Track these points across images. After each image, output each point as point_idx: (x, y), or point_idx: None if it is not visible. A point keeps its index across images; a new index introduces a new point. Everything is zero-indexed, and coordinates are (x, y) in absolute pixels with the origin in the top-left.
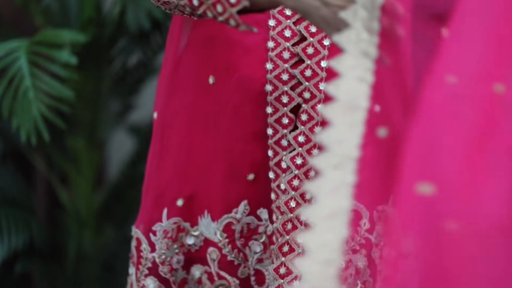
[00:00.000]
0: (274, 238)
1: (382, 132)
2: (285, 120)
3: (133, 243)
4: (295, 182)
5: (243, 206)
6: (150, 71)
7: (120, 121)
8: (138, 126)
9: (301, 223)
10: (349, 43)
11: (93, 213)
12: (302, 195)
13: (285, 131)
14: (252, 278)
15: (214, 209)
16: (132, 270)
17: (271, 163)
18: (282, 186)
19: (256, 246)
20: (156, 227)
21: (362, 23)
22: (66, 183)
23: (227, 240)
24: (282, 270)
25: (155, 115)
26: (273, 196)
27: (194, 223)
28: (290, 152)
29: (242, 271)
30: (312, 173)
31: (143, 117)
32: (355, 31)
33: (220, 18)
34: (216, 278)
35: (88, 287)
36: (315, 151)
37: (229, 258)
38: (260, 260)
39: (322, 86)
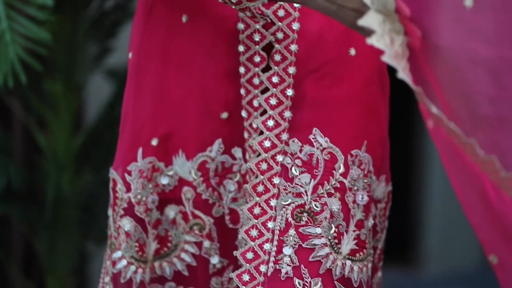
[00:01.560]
0: (248, 177)
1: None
2: (257, 59)
3: (110, 185)
4: (270, 123)
5: (217, 144)
6: (127, 14)
7: (98, 64)
8: (116, 69)
9: (277, 163)
10: (376, 25)
11: (72, 156)
12: (277, 136)
13: (257, 69)
14: (227, 217)
15: (189, 148)
16: (110, 212)
17: (244, 102)
18: (254, 125)
19: (231, 185)
20: (131, 166)
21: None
22: (44, 127)
23: (201, 178)
24: (256, 210)
25: (130, 55)
26: (245, 135)
27: (168, 163)
28: (263, 92)
29: (216, 210)
30: (287, 114)
31: (120, 60)
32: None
33: (234, 7)
34: (190, 218)
35: (66, 230)
36: (289, 91)
37: (203, 196)
38: (234, 199)
39: (295, 26)
